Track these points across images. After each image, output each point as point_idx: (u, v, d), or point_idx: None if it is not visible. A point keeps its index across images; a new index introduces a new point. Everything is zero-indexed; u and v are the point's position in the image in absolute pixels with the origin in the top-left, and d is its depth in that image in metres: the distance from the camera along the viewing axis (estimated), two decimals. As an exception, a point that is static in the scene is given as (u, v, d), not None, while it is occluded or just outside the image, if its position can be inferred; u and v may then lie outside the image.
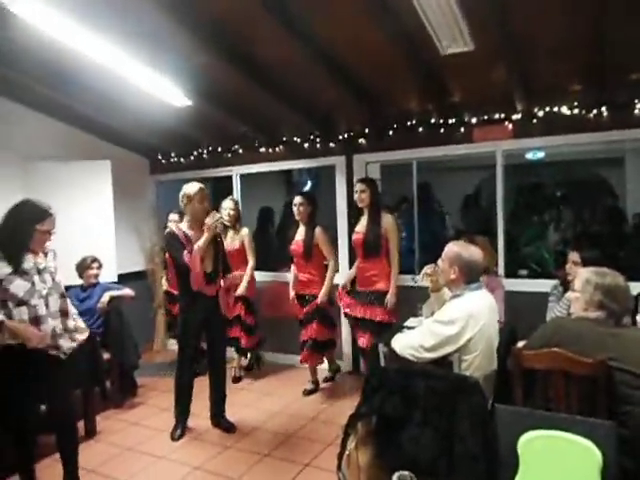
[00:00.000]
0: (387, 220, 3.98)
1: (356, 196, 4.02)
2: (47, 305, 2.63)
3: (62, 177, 4.82)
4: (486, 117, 3.95)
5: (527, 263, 5.61)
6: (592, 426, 1.78)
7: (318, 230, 4.23)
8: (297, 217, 4.27)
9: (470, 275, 2.59)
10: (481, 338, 2.47)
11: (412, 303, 3.67)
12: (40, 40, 3.09)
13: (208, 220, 3.40)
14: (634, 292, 2.77)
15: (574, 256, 3.32)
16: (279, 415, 3.93)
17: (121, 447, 3.50)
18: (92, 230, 4.85)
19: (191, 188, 3.51)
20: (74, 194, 4.84)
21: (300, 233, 4.29)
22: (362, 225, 4.04)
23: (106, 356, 4.01)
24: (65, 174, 4.84)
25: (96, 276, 4.33)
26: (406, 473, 1.26)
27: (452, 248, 2.63)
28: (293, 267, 4.39)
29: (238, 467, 3.14)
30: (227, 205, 4.58)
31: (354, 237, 4.09)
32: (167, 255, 3.98)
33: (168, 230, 3.56)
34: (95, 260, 4.34)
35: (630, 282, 2.46)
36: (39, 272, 2.63)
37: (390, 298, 3.89)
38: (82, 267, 4.31)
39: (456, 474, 1.84)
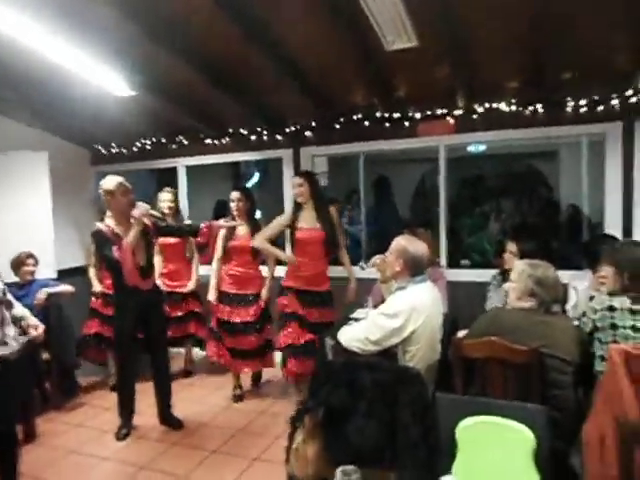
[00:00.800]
0: (332, 211, 3.83)
1: (294, 191, 3.79)
2: None
3: (-5, 168, 4.58)
4: (429, 112, 4.04)
5: (469, 253, 5.80)
6: (526, 411, 1.88)
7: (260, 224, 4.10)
8: (234, 213, 4.00)
9: (414, 269, 2.68)
10: (424, 330, 2.56)
11: (359, 294, 3.75)
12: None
13: (135, 212, 3.33)
14: (565, 280, 2.95)
15: (511, 247, 3.49)
16: (228, 410, 3.92)
17: (64, 450, 3.39)
18: (29, 225, 4.64)
19: (110, 183, 3.39)
20: (9, 186, 4.61)
21: (241, 229, 4.03)
22: (307, 221, 3.75)
23: (45, 356, 3.85)
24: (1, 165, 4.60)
25: (32, 273, 4.14)
26: (349, 467, 1.29)
27: (399, 242, 2.71)
28: (218, 264, 4.10)
29: (186, 464, 3.12)
30: (165, 197, 4.49)
31: (304, 234, 3.72)
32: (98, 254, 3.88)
33: (95, 228, 3.44)
34: (30, 256, 4.14)
35: (562, 270, 2.62)
36: None
37: (353, 289, 3.82)
38: (17, 263, 4.11)
39: (399, 463, 1.89)
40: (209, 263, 4.21)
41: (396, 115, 4.12)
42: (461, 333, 2.74)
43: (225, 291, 4.05)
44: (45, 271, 4.44)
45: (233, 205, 4.04)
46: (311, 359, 3.57)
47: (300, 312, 3.72)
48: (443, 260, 4.28)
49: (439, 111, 4.01)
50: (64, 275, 4.81)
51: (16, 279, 4.09)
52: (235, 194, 4.06)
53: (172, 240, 4.41)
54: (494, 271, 3.76)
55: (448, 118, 4.00)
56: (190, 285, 4.54)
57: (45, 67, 3.47)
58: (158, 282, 3.98)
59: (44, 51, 3.23)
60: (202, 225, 3.65)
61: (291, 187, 3.91)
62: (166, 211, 4.41)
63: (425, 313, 2.56)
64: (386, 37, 3.12)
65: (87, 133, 5.24)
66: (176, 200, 4.58)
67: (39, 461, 3.24)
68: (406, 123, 4.13)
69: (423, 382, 2.01)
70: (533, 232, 5.24)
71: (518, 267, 2.53)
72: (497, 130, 3.94)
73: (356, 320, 3.03)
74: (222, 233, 4.01)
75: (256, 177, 7.57)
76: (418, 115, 4.07)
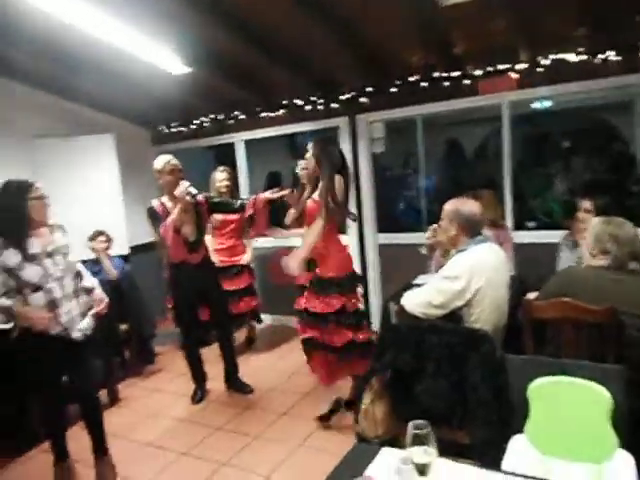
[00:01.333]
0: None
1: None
2: (62, 287, 2.64)
3: (67, 153, 4.82)
4: (490, 68, 3.86)
5: (535, 215, 5.59)
6: (602, 371, 1.81)
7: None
8: (303, 181, 3.75)
9: (471, 229, 2.59)
10: (487, 291, 2.49)
11: (421, 261, 3.70)
12: (37, 16, 3.04)
13: (176, 192, 3.42)
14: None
15: (586, 204, 3.31)
16: (295, 375, 4.03)
17: (144, 412, 3.63)
18: (101, 204, 4.89)
19: (158, 162, 3.57)
20: (81, 168, 4.86)
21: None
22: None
23: (123, 327, 4.11)
24: (70, 150, 4.84)
25: (104, 249, 4.38)
26: (421, 421, 1.30)
27: (450, 205, 2.63)
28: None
29: (257, 426, 3.26)
30: (219, 177, 4.47)
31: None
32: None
33: (149, 206, 3.61)
34: (101, 233, 4.37)
35: (640, 227, 2.47)
36: (49, 255, 2.60)
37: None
38: (90, 240, 4.37)
39: (469, 421, 1.90)
40: (258, 236, 4.25)
41: (454, 74, 3.97)
42: (531, 295, 2.66)
43: None
44: (118, 248, 4.69)
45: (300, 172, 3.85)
46: None
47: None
48: (509, 222, 4.14)
49: (500, 67, 3.82)
50: (136, 251, 5.07)
51: (91, 256, 4.35)
52: (301, 161, 3.88)
53: (232, 217, 4.43)
54: (564, 232, 3.59)
55: (510, 73, 3.80)
56: (246, 258, 4.62)
57: (107, 51, 3.58)
58: (213, 258, 4.06)
59: (104, 36, 3.33)
60: (248, 199, 3.69)
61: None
62: (223, 190, 4.43)
63: (487, 273, 2.49)
64: (441, -9, 3.00)
65: (147, 114, 5.41)
66: (231, 178, 4.59)
67: (122, 422, 3.50)
68: (465, 81, 3.96)
69: (492, 342, 1.99)
70: (607, 188, 4.96)
71: (591, 223, 2.42)
72: (565, 83, 3.71)
73: (418, 286, 3.00)
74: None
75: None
76: (478, 72, 3.90)
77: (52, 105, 4.85)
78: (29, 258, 2.52)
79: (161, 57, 3.74)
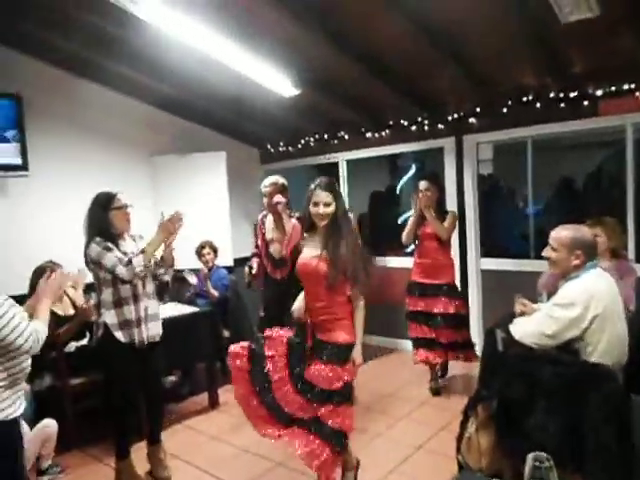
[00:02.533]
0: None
1: (420, 195, 3.83)
2: (144, 285, 2.88)
3: (183, 169, 5.20)
4: (613, 88, 3.62)
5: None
6: None
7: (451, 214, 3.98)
8: (423, 204, 3.84)
9: (592, 255, 2.44)
10: (605, 320, 2.30)
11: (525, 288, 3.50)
12: (162, 41, 3.34)
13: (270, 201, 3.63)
14: None
15: None
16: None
17: (241, 418, 3.71)
18: (210, 217, 5.18)
19: (264, 182, 3.80)
20: (194, 183, 5.20)
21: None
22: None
23: (226, 334, 4.29)
24: (185, 166, 5.21)
25: (211, 260, 4.64)
26: (542, 454, 1.22)
27: (565, 234, 2.46)
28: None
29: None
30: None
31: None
32: None
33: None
34: (205, 246, 4.64)
35: None
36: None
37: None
38: (198, 252, 4.66)
39: (587, 466, 1.74)
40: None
41: (572, 94, 3.77)
42: (659, 333, 2.43)
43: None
44: (223, 259, 4.93)
45: (421, 195, 3.88)
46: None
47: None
48: (631, 254, 3.81)
49: (625, 86, 3.57)
50: (238, 263, 5.30)
51: (200, 265, 4.64)
52: (423, 184, 3.91)
53: None
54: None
55: (636, 93, 3.54)
56: None
57: (222, 73, 3.82)
58: None
59: (221, 57, 3.56)
60: None
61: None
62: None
63: (604, 301, 2.31)
64: (562, 8, 2.87)
65: (257, 134, 5.68)
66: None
67: (219, 425, 3.67)
68: (585, 102, 3.75)
69: (616, 379, 1.83)
70: None
71: None
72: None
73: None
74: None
75: (412, 169, 7.51)
76: (599, 92, 3.67)
77: (170, 124, 5.26)
78: (124, 254, 2.78)
79: (272, 79, 3.92)
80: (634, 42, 3.12)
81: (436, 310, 3.88)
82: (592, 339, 2.33)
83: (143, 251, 2.75)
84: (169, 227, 2.82)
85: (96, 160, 4.67)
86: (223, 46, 3.41)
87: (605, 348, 2.32)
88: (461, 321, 3.97)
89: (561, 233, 2.49)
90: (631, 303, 3.09)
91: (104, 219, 2.82)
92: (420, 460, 3.06)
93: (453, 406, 3.47)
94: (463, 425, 2.08)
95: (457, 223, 4.10)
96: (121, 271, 2.68)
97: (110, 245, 2.75)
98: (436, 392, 4.00)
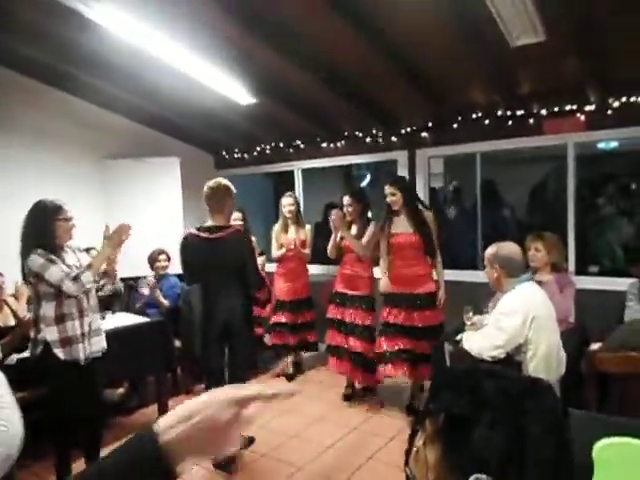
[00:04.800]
0: (429, 216, 3.80)
1: (387, 199, 3.79)
2: (88, 299, 2.80)
3: (135, 174, 5.07)
4: (557, 108, 3.80)
5: (598, 259, 5.37)
6: (675, 435, 1.71)
7: (370, 225, 4.09)
8: (348, 218, 4.09)
9: (512, 269, 2.62)
10: (541, 329, 2.45)
11: (475, 299, 3.62)
12: (115, 45, 3.28)
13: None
14: None
15: None
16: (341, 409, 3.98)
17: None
18: (162, 223, 5.08)
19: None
20: (146, 189, 5.09)
21: (353, 230, 4.11)
22: (404, 226, 3.76)
23: (177, 344, 4.21)
24: (138, 171, 5.08)
25: (164, 268, 4.54)
26: (483, 476, 1.26)
27: (488, 251, 2.70)
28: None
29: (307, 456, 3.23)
30: (286, 202, 4.64)
31: (398, 239, 3.76)
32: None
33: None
34: (162, 252, 4.55)
35: None
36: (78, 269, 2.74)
37: (442, 295, 3.76)
38: (152, 259, 4.55)
39: (528, 477, 1.81)
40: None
41: (519, 112, 3.93)
42: (594, 346, 2.57)
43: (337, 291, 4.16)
44: (176, 267, 4.83)
45: (345, 210, 4.12)
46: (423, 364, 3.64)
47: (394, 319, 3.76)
48: (571, 266, 4.00)
49: (568, 107, 3.76)
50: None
51: (152, 273, 4.53)
52: (346, 199, 4.13)
53: (299, 240, 4.67)
54: (631, 280, 3.43)
55: (578, 114, 3.73)
56: None
57: (177, 79, 3.77)
58: None
59: (177, 63, 3.52)
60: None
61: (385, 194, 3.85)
62: (287, 215, 4.60)
63: (539, 309, 2.49)
64: (511, 33, 3.00)
65: (212, 140, 5.62)
66: (296, 203, 4.70)
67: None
68: (530, 120, 3.92)
69: (555, 395, 1.90)
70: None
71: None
72: (635, 127, 3.60)
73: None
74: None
75: (367, 179, 7.62)
76: (544, 112, 3.85)
77: (123, 127, 5.13)
78: (67, 267, 2.69)
79: (230, 88, 3.91)
80: (577, 66, 3.28)
81: (348, 320, 4.04)
82: (531, 346, 2.46)
83: (90, 265, 2.67)
84: (115, 240, 2.74)
85: (41, 161, 4.49)
86: (178, 53, 3.38)
87: (543, 356, 2.45)
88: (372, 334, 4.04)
89: (487, 250, 2.69)
90: (570, 315, 3.25)
91: (47, 229, 2.68)
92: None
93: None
94: (411, 439, 2.12)
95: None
96: (68, 286, 2.58)
97: (53, 257, 2.64)
98: (346, 398, 4.17)
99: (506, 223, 6.04)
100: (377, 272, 4.05)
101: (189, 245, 3.30)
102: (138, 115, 5.03)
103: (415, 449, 2.13)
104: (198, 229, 3.34)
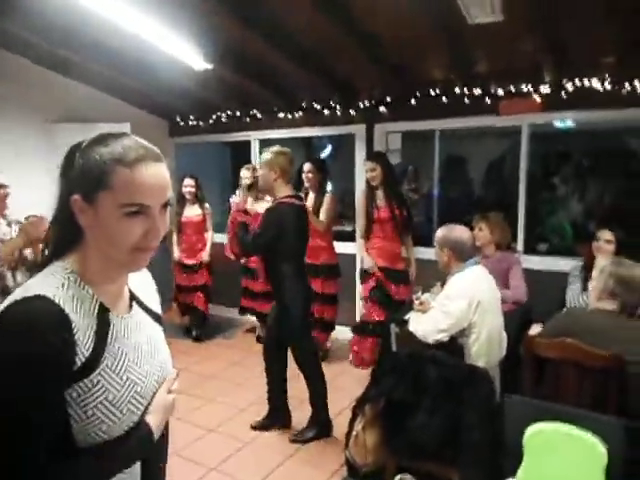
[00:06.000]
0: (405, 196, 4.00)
1: (367, 175, 3.88)
2: (14, 277, 2.67)
3: (83, 138, 4.81)
4: (513, 89, 3.79)
5: (548, 235, 5.51)
6: (601, 422, 1.78)
7: (328, 197, 4.21)
8: (306, 184, 4.24)
9: (462, 253, 2.65)
10: (485, 312, 2.51)
11: (426, 277, 3.67)
12: (61, 2, 3.04)
13: None
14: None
15: (605, 234, 3.17)
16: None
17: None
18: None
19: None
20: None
21: (310, 200, 4.21)
22: (382, 201, 3.88)
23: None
24: (85, 136, 4.78)
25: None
26: (408, 476, 1.28)
27: (438, 233, 2.72)
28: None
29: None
30: (244, 174, 4.56)
31: (377, 214, 3.88)
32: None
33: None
34: None
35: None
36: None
37: (413, 272, 3.99)
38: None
39: (462, 462, 1.86)
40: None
41: (477, 91, 3.90)
42: (535, 328, 2.64)
43: None
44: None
45: (304, 176, 4.21)
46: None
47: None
48: (520, 245, 4.08)
49: (524, 88, 3.75)
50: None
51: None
52: (307, 166, 4.23)
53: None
54: (576, 261, 3.53)
55: (534, 96, 3.73)
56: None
57: (125, 38, 3.56)
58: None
59: (126, 23, 3.31)
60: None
61: (364, 170, 3.96)
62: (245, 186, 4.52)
63: (484, 293, 2.56)
64: (469, 11, 2.94)
65: (166, 105, 5.39)
66: (255, 175, 4.59)
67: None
68: (487, 100, 3.89)
69: (491, 382, 1.96)
70: (624, 218, 4.83)
71: (599, 264, 2.37)
72: (588, 110, 3.64)
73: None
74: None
75: (328, 149, 7.53)
76: (500, 92, 3.83)
77: (71, 90, 4.85)
78: None
79: (183, 51, 3.72)
80: (533, 47, 3.27)
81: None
82: (475, 329, 2.52)
83: None
84: (29, 231, 2.58)
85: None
86: (129, 13, 3.18)
87: (486, 339, 2.51)
88: (333, 300, 4.32)
89: (437, 232, 2.71)
90: (523, 295, 3.31)
91: None
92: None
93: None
94: (352, 423, 2.15)
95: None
96: None
97: None
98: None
99: (462, 200, 6.13)
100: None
101: (285, 213, 2.96)
102: (86, 77, 4.75)
103: (355, 433, 2.17)
104: (288, 196, 3.03)
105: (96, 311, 0.92)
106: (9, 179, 3.47)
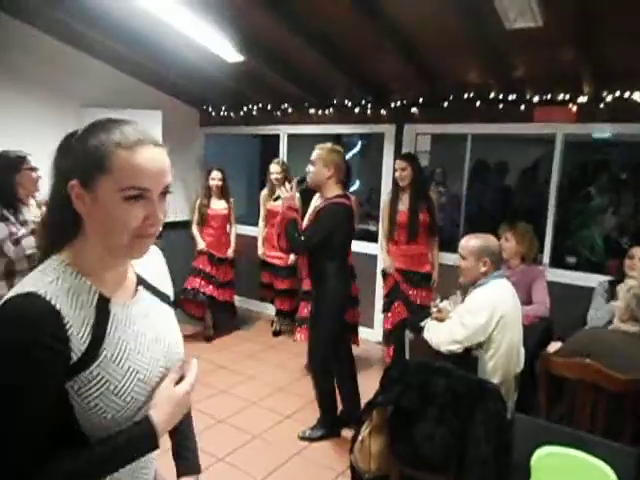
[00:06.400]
0: (433, 198, 3.92)
1: (396, 174, 3.84)
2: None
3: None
4: (549, 97, 3.68)
5: (578, 248, 5.35)
6: (613, 450, 1.72)
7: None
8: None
9: (498, 262, 2.57)
10: (506, 327, 2.42)
11: (447, 284, 3.61)
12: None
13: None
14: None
15: (638, 252, 3.10)
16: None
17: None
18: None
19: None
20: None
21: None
22: (404, 204, 3.85)
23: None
24: (118, 121, 4.90)
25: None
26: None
27: (473, 243, 2.54)
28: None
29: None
30: (273, 169, 4.56)
31: (399, 217, 3.86)
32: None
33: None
34: None
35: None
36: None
37: (436, 277, 3.94)
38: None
39: (466, 476, 1.83)
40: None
41: (511, 97, 3.81)
42: (554, 345, 2.57)
43: None
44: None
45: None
46: None
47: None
48: (546, 257, 3.98)
49: (560, 96, 3.64)
50: (169, 227, 5.12)
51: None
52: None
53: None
54: (603, 278, 3.42)
55: (570, 105, 3.62)
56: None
57: (161, 28, 3.61)
58: None
59: (162, 13, 3.35)
60: None
61: (394, 169, 3.91)
62: (275, 182, 4.52)
63: (507, 308, 2.44)
64: (508, 14, 2.87)
65: (198, 95, 5.43)
66: (285, 170, 4.59)
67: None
68: (522, 106, 3.79)
69: (502, 399, 1.91)
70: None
71: (628, 283, 2.29)
72: (626, 123, 3.51)
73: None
74: None
75: (358, 146, 7.49)
76: (536, 99, 3.73)
77: (106, 75, 4.93)
78: (22, 223, 2.62)
79: (216, 43, 3.74)
80: (573, 56, 3.18)
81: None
82: (494, 344, 2.44)
83: (33, 231, 2.58)
84: None
85: (12, 104, 4.31)
86: (164, 3, 3.21)
87: (504, 354, 2.44)
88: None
89: (470, 242, 2.57)
90: (545, 312, 3.23)
91: (7, 182, 2.61)
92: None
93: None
94: (358, 427, 2.13)
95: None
96: (8, 248, 2.52)
97: (5, 213, 2.56)
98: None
99: (492, 207, 6.01)
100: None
101: (339, 214, 2.94)
102: (120, 63, 4.82)
103: (360, 438, 2.16)
104: (339, 196, 2.98)
105: (95, 302, 0.91)
106: (41, 162, 3.55)
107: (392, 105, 4.42)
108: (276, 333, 4.98)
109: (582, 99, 3.55)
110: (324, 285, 2.99)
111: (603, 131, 3.73)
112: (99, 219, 0.89)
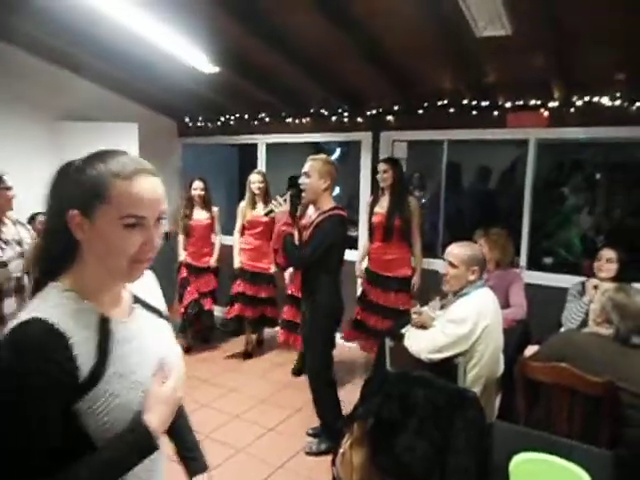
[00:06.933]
0: (413, 203, 3.93)
1: (379, 176, 3.93)
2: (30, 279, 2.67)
3: (90, 138, 4.83)
4: (521, 102, 3.75)
5: (555, 248, 5.42)
6: (588, 454, 1.74)
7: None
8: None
9: (484, 270, 2.61)
10: (489, 335, 2.45)
11: (433, 288, 3.62)
12: (73, 3, 3.05)
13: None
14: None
15: (607, 253, 3.10)
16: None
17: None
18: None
19: None
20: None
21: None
22: (382, 206, 3.93)
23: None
24: (93, 135, 4.85)
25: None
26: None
27: (465, 251, 2.56)
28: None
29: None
30: (254, 179, 4.48)
31: (374, 218, 3.96)
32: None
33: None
34: None
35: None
36: (19, 243, 2.64)
37: (416, 281, 3.92)
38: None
39: (446, 486, 1.84)
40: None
41: (484, 103, 3.88)
42: (530, 349, 2.60)
43: None
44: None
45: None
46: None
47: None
48: (523, 260, 4.03)
49: (532, 102, 3.71)
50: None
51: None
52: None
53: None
54: (579, 279, 3.47)
55: (541, 110, 3.69)
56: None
57: (135, 41, 3.57)
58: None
59: (135, 26, 3.33)
60: None
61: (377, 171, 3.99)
62: (256, 192, 4.46)
63: (490, 316, 2.47)
64: (477, 23, 2.91)
65: (175, 106, 5.41)
66: (265, 181, 4.53)
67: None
68: (495, 112, 3.86)
69: (480, 407, 1.92)
70: (632, 237, 4.74)
71: (602, 286, 2.33)
72: (597, 127, 3.59)
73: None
74: None
75: (337, 153, 7.51)
76: (508, 104, 3.80)
77: (80, 89, 4.87)
78: (5, 242, 2.58)
79: (191, 54, 3.73)
80: (542, 62, 3.23)
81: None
82: (477, 354, 2.46)
83: (22, 255, 2.55)
84: None
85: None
86: (137, 15, 3.19)
87: (487, 361, 2.47)
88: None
89: (461, 250, 2.57)
90: (522, 315, 3.26)
91: None
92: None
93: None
94: (340, 440, 2.13)
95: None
96: None
97: None
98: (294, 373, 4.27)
99: (470, 210, 6.07)
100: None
101: (338, 226, 2.91)
102: (96, 76, 4.78)
103: (342, 450, 2.15)
104: (335, 208, 2.95)
105: (96, 322, 0.94)
106: (15, 176, 3.49)
107: (368, 113, 4.46)
108: (247, 355, 4.70)
109: (553, 104, 3.63)
110: (319, 298, 2.95)
111: (575, 134, 3.78)
112: (98, 245, 0.94)
